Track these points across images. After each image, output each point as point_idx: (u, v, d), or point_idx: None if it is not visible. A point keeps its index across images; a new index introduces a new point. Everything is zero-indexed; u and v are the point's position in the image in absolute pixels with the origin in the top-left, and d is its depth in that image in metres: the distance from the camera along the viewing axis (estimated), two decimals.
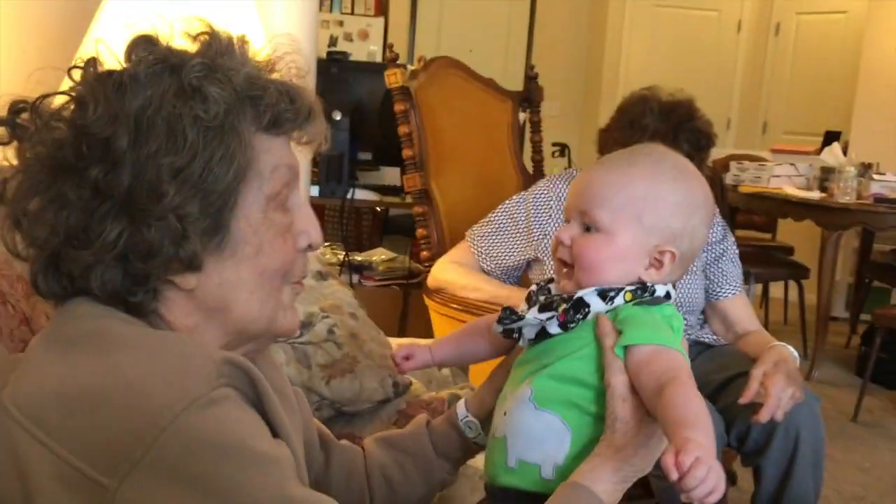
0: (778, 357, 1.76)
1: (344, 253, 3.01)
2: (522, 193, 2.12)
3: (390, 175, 3.50)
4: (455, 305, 2.06)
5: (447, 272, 2.11)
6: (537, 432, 0.90)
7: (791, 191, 4.10)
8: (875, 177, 3.98)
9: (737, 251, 2.06)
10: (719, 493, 0.76)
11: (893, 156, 4.65)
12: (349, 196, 3.01)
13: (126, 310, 0.77)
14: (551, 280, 1.01)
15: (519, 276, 2.13)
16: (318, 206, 4.07)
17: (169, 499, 0.66)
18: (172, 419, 0.66)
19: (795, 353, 1.81)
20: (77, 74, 0.79)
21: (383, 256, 3.17)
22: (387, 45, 2.54)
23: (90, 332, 0.75)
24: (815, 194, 4.06)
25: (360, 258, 3.13)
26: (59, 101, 0.78)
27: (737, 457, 1.90)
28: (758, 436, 1.77)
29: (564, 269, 0.96)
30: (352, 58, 4.21)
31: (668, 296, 0.95)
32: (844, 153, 4.30)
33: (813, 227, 4.06)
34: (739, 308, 2.02)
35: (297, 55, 0.86)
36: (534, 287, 1.00)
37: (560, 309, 0.91)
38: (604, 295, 0.91)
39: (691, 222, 0.95)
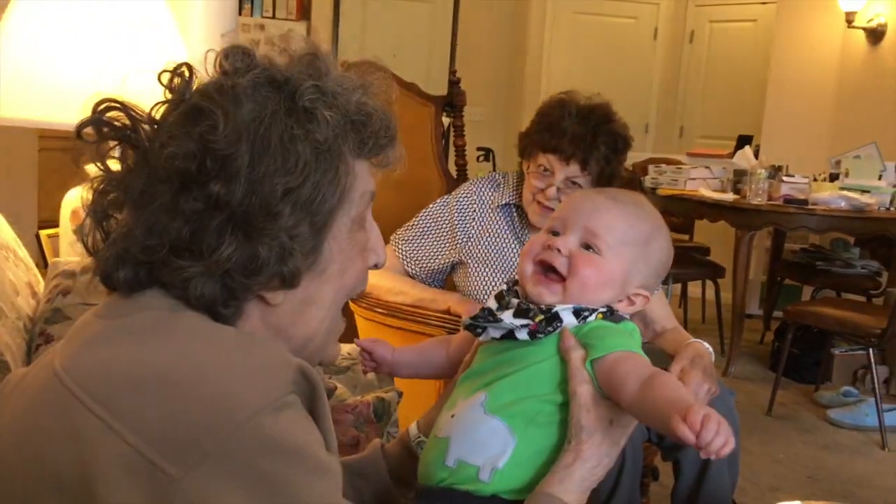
0: (694, 353, 1.81)
1: None
2: (446, 197, 2.14)
3: None
4: (380, 310, 2.06)
5: (372, 276, 2.09)
6: (483, 436, 0.92)
7: (706, 193, 4.23)
8: (785, 179, 4.12)
9: None
10: (731, 444, 0.79)
11: (802, 158, 4.84)
12: None
13: (214, 318, 0.77)
14: (517, 282, 1.02)
15: (443, 280, 2.14)
16: None
17: (234, 495, 0.65)
18: (250, 417, 0.66)
19: (711, 350, 1.86)
20: (168, 79, 0.79)
21: None
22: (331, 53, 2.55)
23: (165, 322, 0.74)
24: (729, 196, 4.19)
25: None
26: (159, 108, 0.78)
27: (657, 452, 1.95)
28: None
29: (548, 277, 0.97)
30: None
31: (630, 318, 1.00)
32: (756, 156, 4.45)
33: (727, 227, 4.19)
34: (657, 306, 2.06)
35: (389, 79, 0.88)
36: (504, 287, 1.02)
37: (536, 319, 0.94)
38: (578, 313, 0.95)
39: (660, 280, 1.05)
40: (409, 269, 2.09)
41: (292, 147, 0.75)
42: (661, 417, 0.83)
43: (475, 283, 2.00)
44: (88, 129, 0.78)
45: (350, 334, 2.21)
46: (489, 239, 2.03)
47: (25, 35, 1.59)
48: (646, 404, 0.87)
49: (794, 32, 5.34)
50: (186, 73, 0.79)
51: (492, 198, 2.07)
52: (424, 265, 2.09)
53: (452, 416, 0.95)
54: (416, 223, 2.11)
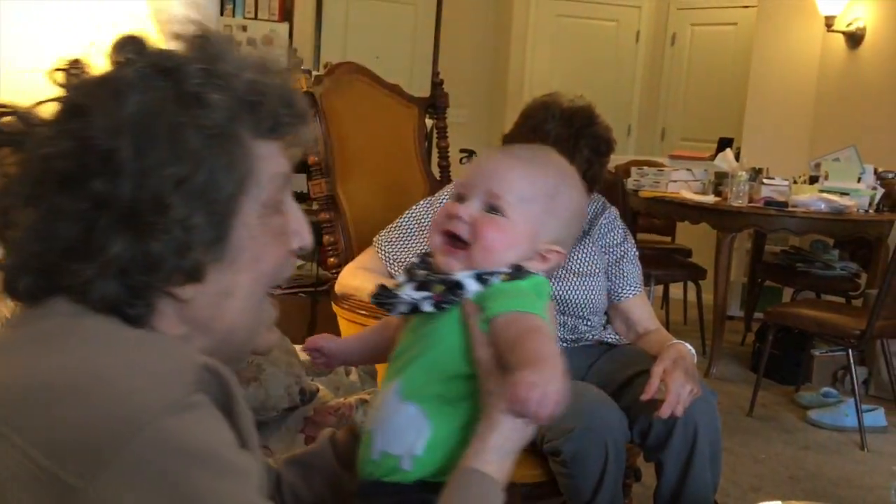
0: (677, 354, 1.82)
1: None
2: (429, 198, 2.14)
3: (296, 181, 3.46)
4: (363, 311, 2.05)
5: (355, 278, 2.09)
6: (399, 424, 0.92)
7: (688, 195, 4.25)
8: (765, 181, 4.15)
9: (636, 253, 2.13)
10: (554, 406, 0.80)
11: (782, 161, 4.88)
12: None
13: (121, 318, 0.74)
14: (429, 254, 1.00)
15: None
16: None
17: (139, 502, 0.62)
18: (150, 420, 0.63)
19: (693, 350, 1.87)
20: (61, 77, 0.76)
21: None
22: (291, 51, 2.53)
23: (66, 328, 0.72)
24: (710, 198, 4.21)
25: None
26: (48, 107, 0.75)
27: (640, 453, 1.96)
28: (659, 431, 1.82)
29: (455, 246, 0.95)
30: None
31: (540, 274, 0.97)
32: (737, 159, 4.48)
33: (709, 229, 4.22)
34: (640, 308, 2.08)
35: (286, 54, 0.84)
36: (415, 259, 1.00)
37: (437, 290, 0.92)
38: (480, 278, 0.92)
39: (576, 231, 1.03)
40: (393, 271, 2.09)
41: (180, 135, 0.72)
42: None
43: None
44: None
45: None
46: None
47: (6, 34, 1.58)
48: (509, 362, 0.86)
49: (775, 36, 5.39)
50: (76, 70, 0.76)
51: None
52: None
53: (376, 407, 0.95)
54: (399, 225, 2.11)
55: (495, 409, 0.87)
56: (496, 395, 0.87)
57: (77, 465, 0.62)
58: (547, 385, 0.80)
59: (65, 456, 0.63)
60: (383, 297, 0.95)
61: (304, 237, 0.85)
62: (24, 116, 0.75)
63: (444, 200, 2.08)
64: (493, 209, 0.95)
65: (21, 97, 0.79)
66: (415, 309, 0.94)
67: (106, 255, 0.71)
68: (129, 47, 0.76)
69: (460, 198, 0.98)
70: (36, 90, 0.78)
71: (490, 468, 0.86)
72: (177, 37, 0.78)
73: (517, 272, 0.94)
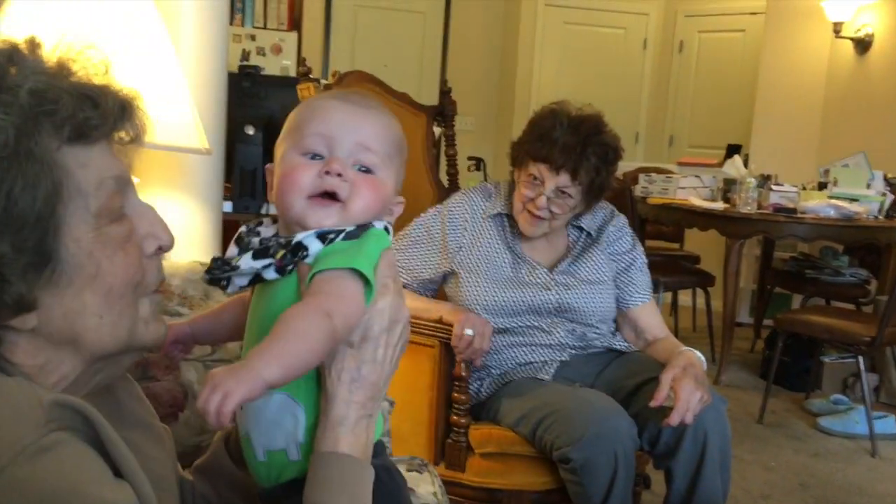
0: (686, 362, 1.82)
1: None
2: (438, 207, 2.14)
3: None
4: None
5: None
6: (270, 416, 0.87)
7: (696, 202, 4.24)
8: (773, 187, 4.14)
9: (645, 260, 2.13)
10: (222, 413, 0.72)
11: (791, 167, 4.87)
12: (263, 211, 2.97)
13: None
14: (260, 221, 0.95)
15: (436, 290, 2.14)
16: (232, 222, 3.99)
17: None
18: (1, 472, 0.61)
19: (702, 358, 1.87)
20: None
21: None
22: (300, 60, 2.54)
23: None
24: (719, 205, 4.21)
25: None
26: None
27: (649, 461, 1.95)
28: (668, 438, 1.82)
29: (329, 203, 0.88)
30: (265, 72, 4.16)
31: (385, 229, 0.92)
32: (745, 165, 4.47)
33: (717, 236, 4.21)
34: (649, 315, 2.08)
35: (94, 50, 0.78)
36: (243, 228, 0.93)
37: (278, 255, 0.86)
38: (323, 237, 0.87)
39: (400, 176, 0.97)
40: (402, 279, 2.09)
41: None
42: None
43: (467, 293, 2.00)
44: None
45: None
46: (481, 249, 2.04)
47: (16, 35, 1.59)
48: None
49: (783, 43, 5.39)
50: None
51: (483, 208, 2.08)
52: (416, 275, 2.09)
53: (241, 408, 0.84)
54: (407, 233, 2.12)
55: (328, 378, 0.84)
56: (325, 365, 0.83)
57: None
58: (234, 387, 0.72)
59: None
60: (218, 272, 0.88)
61: (159, 237, 0.80)
62: None
63: (453, 210, 2.08)
64: (363, 168, 0.90)
65: None
66: (255, 280, 0.87)
67: None
68: None
69: (316, 154, 0.89)
70: None
71: (344, 444, 0.82)
72: None
73: (359, 229, 0.89)
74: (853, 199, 4.06)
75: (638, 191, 4.52)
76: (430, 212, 2.13)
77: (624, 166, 3.97)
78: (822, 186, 4.36)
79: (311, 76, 2.39)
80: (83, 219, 0.72)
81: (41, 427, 0.64)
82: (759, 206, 4.06)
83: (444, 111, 2.68)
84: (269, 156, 3.33)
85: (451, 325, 1.89)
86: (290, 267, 0.86)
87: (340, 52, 6.23)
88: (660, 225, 4.95)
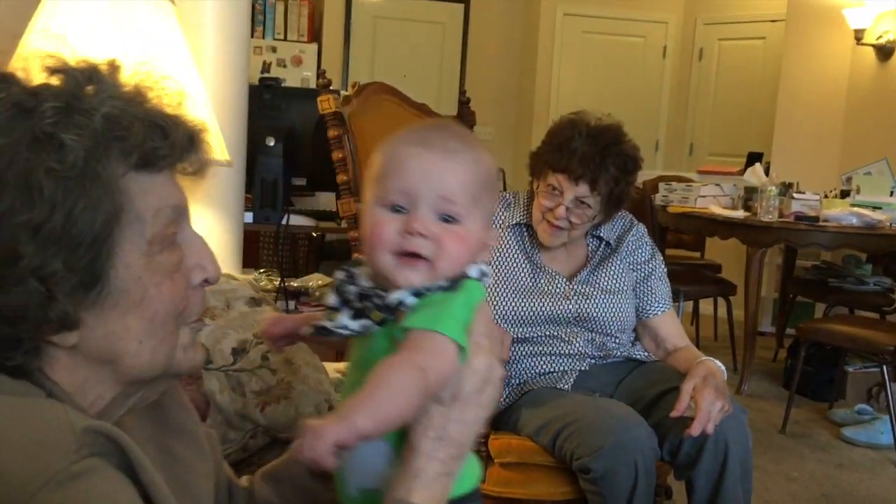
0: (707, 371, 1.81)
1: (279, 279, 2.98)
2: None
3: (325, 200, 3.49)
4: None
5: None
6: (368, 459, 0.87)
7: (717, 210, 4.23)
8: (795, 195, 4.12)
9: (665, 269, 2.12)
10: (321, 462, 0.74)
11: (812, 175, 4.83)
12: (284, 222, 3.00)
13: (5, 372, 0.71)
14: (357, 260, 0.94)
15: None
16: (252, 233, 4.03)
17: None
18: (28, 499, 0.61)
19: (723, 367, 1.86)
20: None
21: (320, 282, 3.15)
22: (320, 71, 2.57)
23: None
24: (740, 213, 4.18)
25: (296, 284, 3.10)
26: None
27: (670, 471, 1.94)
28: (689, 449, 1.81)
29: (414, 260, 0.88)
30: (285, 84, 4.20)
31: (482, 274, 0.92)
32: (766, 173, 4.45)
33: (739, 245, 4.19)
34: (669, 325, 2.07)
35: (171, 81, 0.80)
36: (340, 274, 0.92)
37: (375, 319, 0.87)
38: (419, 294, 0.87)
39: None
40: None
41: (32, 180, 0.68)
42: None
43: (487, 304, 2.01)
44: None
45: None
46: (500, 259, 2.04)
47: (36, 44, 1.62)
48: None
49: (804, 50, 5.36)
50: None
51: (503, 218, 2.08)
52: None
53: None
54: None
55: (413, 431, 0.84)
56: (415, 417, 0.83)
57: None
58: (327, 433, 0.74)
59: None
60: (324, 332, 0.90)
61: (207, 270, 0.80)
62: None
63: None
64: (448, 217, 0.89)
65: None
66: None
67: None
68: None
69: (397, 207, 0.89)
70: None
71: (417, 496, 0.81)
72: (48, 71, 0.74)
73: (452, 283, 0.88)
74: (876, 207, 4.03)
75: (658, 199, 4.51)
76: None
77: (644, 175, 3.95)
78: (844, 194, 4.33)
79: (331, 87, 2.40)
80: (137, 245, 0.74)
81: (72, 454, 0.64)
82: (781, 215, 4.03)
83: (462, 121, 2.69)
84: (289, 166, 3.36)
85: None
86: (389, 318, 0.87)
87: (360, 63, 6.27)
88: (680, 234, 4.93)
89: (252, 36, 5.65)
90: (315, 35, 6.11)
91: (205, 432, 0.95)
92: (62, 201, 0.68)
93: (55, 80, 0.73)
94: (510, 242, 2.06)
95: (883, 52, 5.00)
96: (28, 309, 0.69)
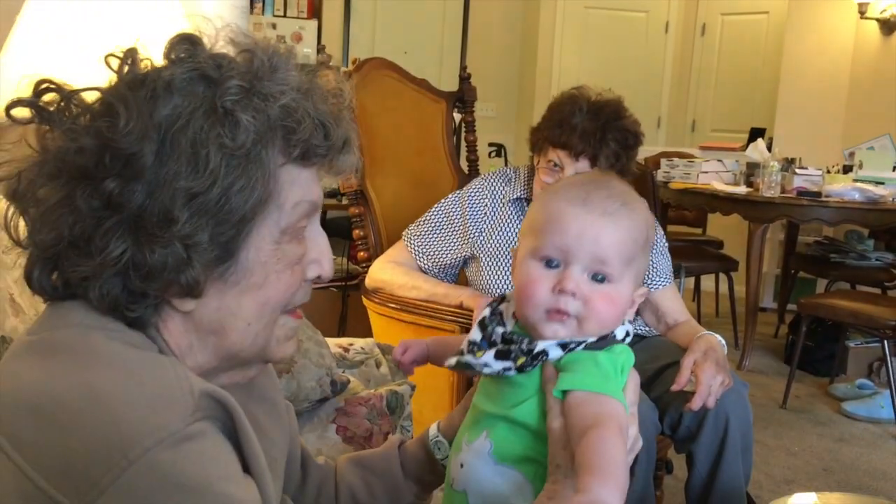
0: (707, 346, 1.81)
1: None
2: (458, 192, 2.15)
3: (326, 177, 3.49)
4: (393, 305, 2.07)
5: (385, 272, 2.12)
6: (501, 488, 0.89)
7: (719, 186, 4.22)
8: (798, 171, 4.11)
9: (666, 244, 2.12)
10: None
11: (815, 150, 4.82)
12: None
13: (124, 321, 0.74)
14: (502, 298, 0.96)
15: (456, 274, 2.15)
16: None
17: None
18: (143, 453, 0.63)
19: (723, 342, 1.87)
20: (115, 64, 0.75)
21: None
22: (319, 47, 2.54)
23: (74, 342, 0.71)
24: (742, 189, 4.18)
25: None
26: (91, 96, 0.74)
27: (671, 445, 1.95)
28: (689, 423, 1.82)
29: (564, 318, 0.89)
30: None
31: (626, 335, 0.93)
32: (769, 149, 4.43)
33: (741, 220, 4.18)
34: (670, 300, 2.07)
35: (346, 85, 0.82)
36: (487, 312, 0.95)
37: (518, 362, 0.89)
38: (564, 346, 0.89)
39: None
40: (422, 265, 2.10)
41: (202, 150, 0.71)
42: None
43: (487, 278, 2.01)
44: (22, 110, 0.75)
45: (364, 330, 2.23)
46: (501, 233, 2.04)
47: (37, 39, 1.61)
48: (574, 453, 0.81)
49: (807, 24, 5.32)
50: (128, 62, 0.75)
51: (503, 192, 2.08)
52: (437, 260, 2.10)
53: (462, 465, 0.91)
54: (428, 218, 2.13)
55: (561, 483, 0.82)
56: (562, 467, 0.83)
57: (74, 492, 0.63)
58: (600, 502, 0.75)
59: (62, 481, 0.63)
60: (463, 368, 0.92)
61: (323, 267, 0.82)
62: (66, 97, 0.74)
63: (473, 195, 2.09)
64: (600, 277, 0.90)
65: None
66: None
67: (106, 255, 0.71)
68: (183, 46, 0.75)
69: (550, 261, 0.90)
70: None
71: None
72: (231, 43, 0.77)
73: (600, 340, 0.90)
74: (878, 182, 4.02)
75: (660, 175, 4.50)
76: (451, 197, 2.13)
77: (646, 151, 3.95)
78: (846, 169, 4.31)
79: (330, 64, 2.39)
80: (271, 231, 0.76)
81: (188, 416, 0.66)
82: (783, 190, 4.02)
83: (463, 97, 2.68)
84: None
85: (472, 311, 1.90)
86: (528, 367, 0.89)
87: (360, 39, 6.23)
88: (682, 210, 4.92)
89: (251, 12, 5.64)
90: (315, 11, 6.07)
91: (284, 403, 0.97)
92: (223, 177, 0.71)
93: (238, 55, 0.76)
94: (511, 217, 2.06)
95: (887, 26, 4.96)
96: (164, 270, 0.72)
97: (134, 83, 0.73)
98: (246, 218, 0.73)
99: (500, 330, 0.92)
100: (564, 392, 0.85)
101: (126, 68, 0.75)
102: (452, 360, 0.93)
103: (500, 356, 0.89)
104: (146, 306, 0.74)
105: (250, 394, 0.88)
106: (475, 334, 0.93)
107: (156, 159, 0.70)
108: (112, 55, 0.75)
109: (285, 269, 0.78)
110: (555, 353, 0.88)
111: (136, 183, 0.70)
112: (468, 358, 0.91)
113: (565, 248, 0.89)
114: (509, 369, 0.88)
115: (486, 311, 0.95)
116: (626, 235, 0.91)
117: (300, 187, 0.78)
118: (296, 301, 0.81)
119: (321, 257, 0.82)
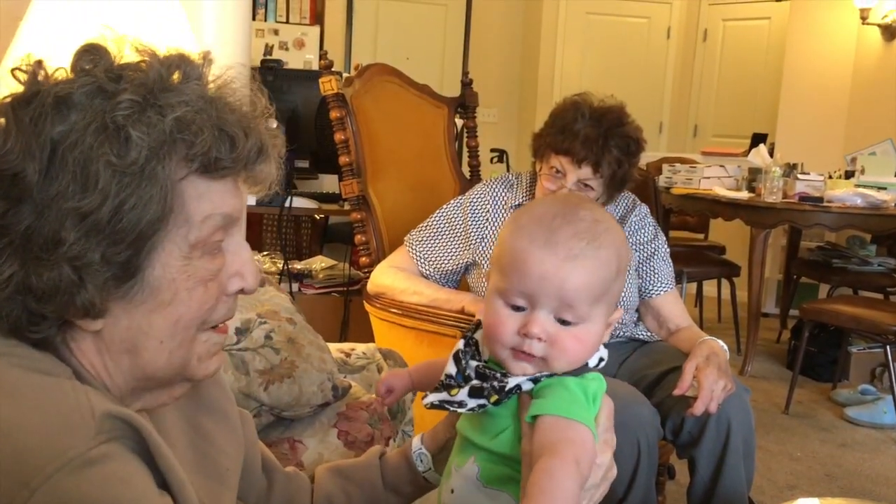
0: (709, 351, 1.81)
1: (283, 262, 2.99)
2: (459, 198, 2.15)
3: (328, 182, 3.50)
4: (395, 310, 2.07)
5: (386, 277, 2.12)
6: None
7: (721, 191, 4.21)
8: (800, 176, 4.10)
9: (667, 249, 2.12)
10: None
11: (817, 156, 4.82)
12: (287, 204, 3.00)
13: (30, 343, 0.72)
14: (478, 325, 0.96)
15: (458, 280, 2.15)
16: (256, 216, 4.04)
17: None
18: (45, 480, 0.61)
19: (725, 347, 1.87)
20: (22, 77, 0.72)
21: (323, 264, 3.16)
22: (322, 53, 2.54)
23: None
24: (744, 194, 4.17)
25: (299, 266, 3.11)
26: None
27: (673, 450, 1.95)
28: (691, 428, 1.82)
29: (531, 358, 0.89)
30: (288, 66, 4.19)
31: (600, 360, 0.93)
32: (771, 154, 4.43)
33: (743, 226, 4.18)
34: (671, 305, 2.07)
35: (257, 90, 0.81)
36: (461, 345, 0.94)
37: (491, 399, 0.89)
38: (536, 380, 0.89)
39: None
40: (424, 270, 2.11)
41: (91, 167, 0.67)
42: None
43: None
44: None
45: (366, 335, 2.24)
46: None
47: (40, 43, 1.62)
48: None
49: (808, 30, 5.32)
50: (35, 72, 0.72)
51: (505, 198, 2.08)
52: (438, 266, 2.10)
53: (452, 491, 0.92)
54: (429, 224, 2.13)
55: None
56: None
57: None
58: None
59: None
60: (438, 406, 0.92)
61: (246, 280, 0.79)
62: None
63: (475, 201, 2.09)
64: (567, 321, 0.88)
65: None
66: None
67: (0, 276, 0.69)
68: (88, 57, 0.73)
69: (517, 306, 0.89)
70: None
71: None
72: (137, 52, 0.75)
73: (573, 371, 0.90)
74: (881, 188, 4.02)
75: (662, 181, 4.50)
76: (453, 203, 2.14)
77: (647, 157, 3.95)
78: (848, 175, 4.31)
79: (333, 69, 2.40)
80: (179, 246, 0.73)
81: (90, 439, 0.64)
82: (785, 196, 4.02)
83: (465, 103, 2.69)
84: (292, 149, 3.36)
85: (473, 316, 1.90)
86: (504, 399, 0.89)
87: (363, 45, 6.24)
88: (684, 215, 4.92)
89: (254, 19, 5.66)
90: (317, 17, 6.08)
91: (240, 413, 0.96)
92: (114, 195, 0.68)
93: (143, 66, 0.73)
94: None
95: (888, 31, 4.96)
96: (57, 292, 0.69)
97: (22, 100, 0.70)
98: (144, 235, 0.70)
99: (473, 364, 0.92)
100: (534, 417, 0.86)
101: (26, 83, 0.72)
102: (428, 402, 0.93)
103: (473, 393, 0.90)
104: (49, 327, 0.72)
105: (199, 404, 0.87)
106: (451, 368, 0.93)
107: (43, 179, 0.67)
108: (18, 69, 0.73)
109: (197, 285, 0.75)
110: (527, 386, 0.89)
111: (22, 204, 0.68)
112: (444, 397, 0.91)
113: (529, 293, 0.87)
114: (484, 406, 0.89)
115: (461, 344, 0.94)
116: (592, 278, 0.88)
117: (209, 201, 0.74)
118: (216, 317, 0.78)
119: (243, 270, 0.79)
